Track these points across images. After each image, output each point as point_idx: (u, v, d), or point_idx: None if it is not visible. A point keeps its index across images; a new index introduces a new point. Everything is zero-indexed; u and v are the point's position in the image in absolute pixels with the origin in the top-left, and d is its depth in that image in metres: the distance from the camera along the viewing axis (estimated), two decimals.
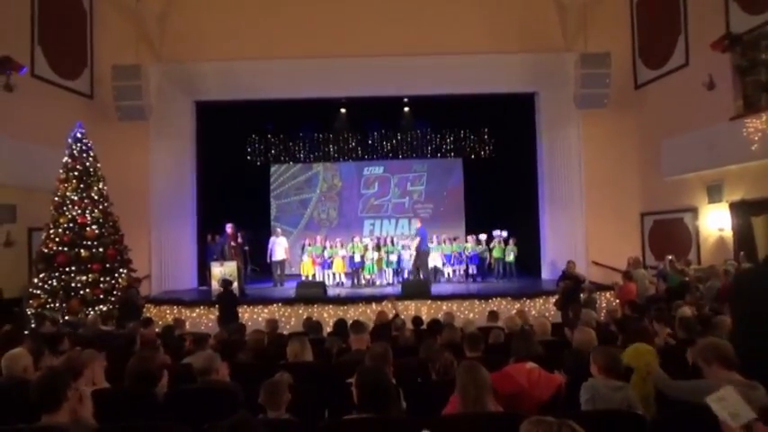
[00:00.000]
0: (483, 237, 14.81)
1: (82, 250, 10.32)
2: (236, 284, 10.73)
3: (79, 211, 10.51)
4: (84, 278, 10.17)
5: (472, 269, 14.66)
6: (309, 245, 14.60)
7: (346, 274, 14.26)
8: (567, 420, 2.27)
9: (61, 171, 10.65)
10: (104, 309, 10.03)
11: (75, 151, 10.73)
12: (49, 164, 11.05)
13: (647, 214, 13.94)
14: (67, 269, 10.21)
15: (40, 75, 12.23)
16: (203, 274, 13.49)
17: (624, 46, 14.03)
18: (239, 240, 12.62)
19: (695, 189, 12.43)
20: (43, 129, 11.72)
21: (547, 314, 9.73)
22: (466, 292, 11.87)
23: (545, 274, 14.29)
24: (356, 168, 18.86)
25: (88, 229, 10.44)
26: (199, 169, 14.70)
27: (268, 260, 13.87)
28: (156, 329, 7.63)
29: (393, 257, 14.45)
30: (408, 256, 13.87)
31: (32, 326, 8.91)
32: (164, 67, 13.64)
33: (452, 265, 14.93)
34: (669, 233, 13.07)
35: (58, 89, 12.72)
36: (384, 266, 14.10)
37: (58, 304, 9.84)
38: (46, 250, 10.21)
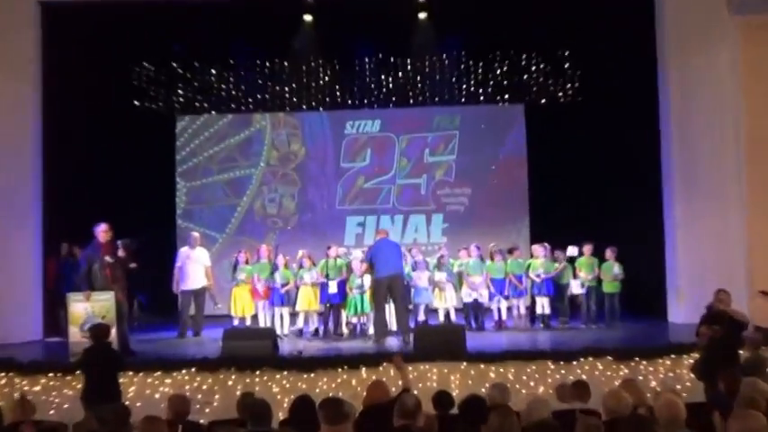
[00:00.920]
0: (571, 250, 12.32)
1: None
2: (114, 333, 9.99)
3: None
4: None
5: (542, 305, 12.26)
6: (247, 261, 12.06)
7: (318, 315, 12.15)
8: None
9: None
10: None
11: None
12: None
13: None
14: None
15: None
16: (54, 315, 12.31)
17: None
18: (120, 254, 10.89)
19: None
20: None
21: (678, 386, 8.74)
22: (531, 346, 10.40)
23: (674, 314, 12.55)
24: (332, 123, 15.55)
25: None
26: (48, 126, 12.79)
27: (174, 289, 11.92)
28: None
29: None
30: (426, 283, 11.49)
31: None
32: None
33: (506, 296, 12.22)
34: None
35: None
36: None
37: None
38: None
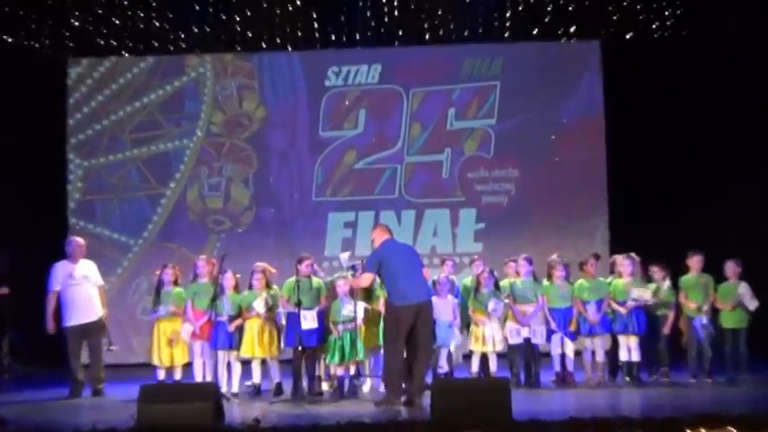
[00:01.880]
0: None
1: None
2: None
3: None
4: None
5: (629, 348, 9.78)
6: (177, 282, 10.03)
7: (282, 363, 10.39)
8: None
9: None
10: None
11: None
12: None
13: None
14: None
15: None
16: None
17: None
18: None
19: None
20: None
21: None
22: (611, 410, 8.17)
23: None
24: (306, 69, 13.00)
25: None
26: None
27: (48, 327, 9.95)
28: None
29: None
30: (451, 316, 9.43)
31: None
32: None
33: (574, 334, 9.73)
34: None
35: None
36: (381, 341, 9.70)
37: None
38: None
